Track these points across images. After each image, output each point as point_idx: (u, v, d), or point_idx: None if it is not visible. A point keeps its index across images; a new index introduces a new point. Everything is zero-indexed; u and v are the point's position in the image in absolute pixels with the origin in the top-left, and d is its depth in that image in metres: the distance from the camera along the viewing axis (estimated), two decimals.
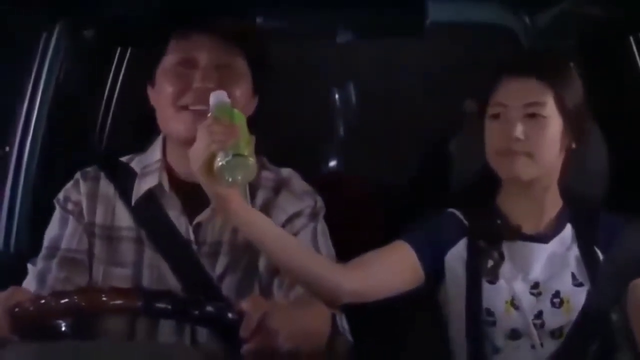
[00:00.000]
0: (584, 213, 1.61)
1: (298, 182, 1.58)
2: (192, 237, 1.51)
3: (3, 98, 1.98)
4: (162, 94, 1.50)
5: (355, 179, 2.13)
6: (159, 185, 1.52)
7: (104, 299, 1.19)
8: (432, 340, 1.61)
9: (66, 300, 1.20)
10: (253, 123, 1.49)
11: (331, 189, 1.69)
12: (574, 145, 1.57)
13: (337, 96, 2.39)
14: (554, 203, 1.60)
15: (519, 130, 1.50)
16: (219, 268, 1.50)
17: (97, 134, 2.19)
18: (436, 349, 1.61)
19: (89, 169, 1.60)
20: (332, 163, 2.40)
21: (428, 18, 1.96)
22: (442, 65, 2.25)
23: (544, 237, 1.58)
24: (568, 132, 1.54)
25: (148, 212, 1.52)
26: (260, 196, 1.54)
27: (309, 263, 1.43)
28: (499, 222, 1.59)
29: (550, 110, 1.52)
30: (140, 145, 1.76)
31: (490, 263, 1.56)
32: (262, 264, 1.50)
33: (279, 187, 1.56)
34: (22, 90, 1.97)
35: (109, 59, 2.20)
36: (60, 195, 1.57)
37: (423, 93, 2.29)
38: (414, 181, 2.16)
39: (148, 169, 1.55)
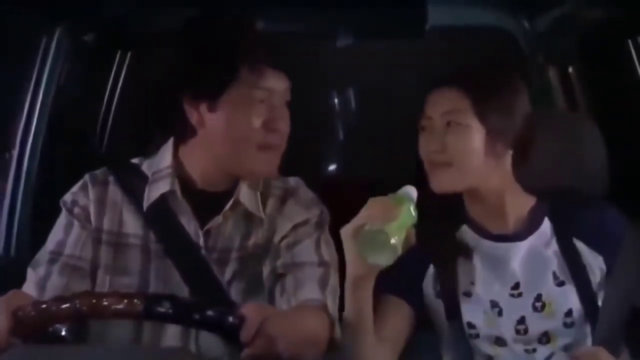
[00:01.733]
0: (562, 206, 1.59)
1: (305, 192, 1.59)
2: (202, 242, 1.51)
3: (4, 101, 1.98)
4: (237, 127, 1.48)
5: (355, 181, 2.13)
6: (172, 191, 1.52)
7: (105, 303, 1.19)
8: (429, 349, 1.62)
9: (67, 304, 1.20)
10: None
11: (331, 190, 1.70)
12: (510, 152, 1.54)
13: (336, 98, 2.39)
14: (518, 204, 1.58)
15: (437, 141, 1.51)
16: (228, 274, 1.51)
17: (98, 137, 2.19)
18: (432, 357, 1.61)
19: (97, 172, 1.58)
20: (332, 164, 2.40)
21: (428, 21, 1.96)
22: (442, 68, 2.24)
23: (517, 235, 1.56)
24: (494, 140, 1.51)
25: (159, 217, 1.52)
26: (270, 204, 1.56)
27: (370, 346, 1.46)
28: (456, 236, 1.59)
29: (469, 119, 1.50)
30: (140, 147, 1.76)
31: (462, 277, 1.55)
32: (265, 269, 1.52)
33: (286, 195, 1.57)
34: (22, 94, 1.97)
35: (109, 62, 2.20)
36: (68, 198, 1.55)
37: (423, 95, 2.29)
38: (414, 182, 2.16)
39: (159, 174, 1.54)
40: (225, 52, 1.47)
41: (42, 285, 1.47)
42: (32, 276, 1.49)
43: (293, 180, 1.61)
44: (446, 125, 1.51)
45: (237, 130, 1.48)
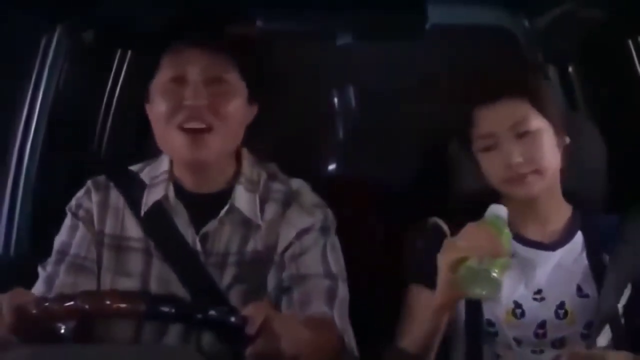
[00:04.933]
0: (595, 220, 1.60)
1: (308, 195, 1.56)
2: (199, 247, 1.50)
3: (3, 101, 1.97)
4: (155, 112, 1.48)
5: (355, 181, 2.13)
6: (165, 196, 1.52)
7: (108, 302, 1.19)
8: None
9: (70, 303, 1.20)
10: (253, 127, 1.48)
11: (331, 191, 1.70)
12: (567, 141, 1.56)
13: (336, 98, 2.38)
14: (559, 209, 1.59)
15: (517, 154, 1.48)
16: (227, 279, 1.49)
17: (97, 136, 2.19)
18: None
19: (99, 177, 1.59)
20: (332, 165, 2.39)
21: (428, 20, 1.96)
22: (442, 68, 2.25)
23: (551, 245, 1.56)
24: (559, 133, 1.53)
25: (156, 223, 1.52)
26: (269, 210, 1.52)
27: None
28: None
29: (537, 122, 1.51)
30: (140, 149, 1.76)
31: None
32: (270, 281, 1.49)
33: (288, 200, 1.54)
34: (22, 93, 1.97)
35: (109, 62, 2.20)
36: (72, 203, 1.57)
37: (423, 95, 2.29)
38: (414, 183, 2.16)
39: (156, 180, 1.55)
40: (149, 41, 1.51)
41: (49, 282, 1.49)
42: (41, 274, 1.51)
43: (295, 183, 1.57)
44: (517, 137, 1.49)
45: (157, 114, 1.47)
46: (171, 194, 1.52)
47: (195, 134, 1.43)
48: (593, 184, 1.72)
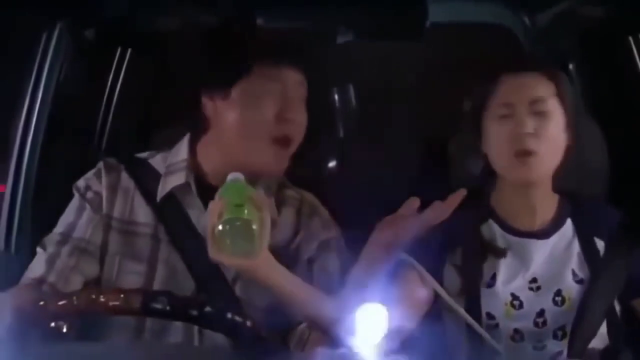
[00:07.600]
0: (583, 206, 1.60)
1: (324, 210, 1.62)
2: None
3: (3, 98, 1.98)
4: (244, 115, 1.50)
5: (354, 180, 2.13)
6: (186, 184, 1.54)
7: (103, 299, 1.19)
8: (432, 345, 1.61)
9: (64, 302, 1.20)
10: None
11: (331, 190, 1.70)
12: (570, 143, 1.56)
13: (336, 96, 2.38)
14: (547, 200, 1.58)
15: (530, 126, 1.48)
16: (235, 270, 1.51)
17: (98, 134, 2.20)
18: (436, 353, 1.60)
19: (111, 159, 1.61)
20: (332, 163, 2.40)
21: (428, 19, 1.96)
22: (442, 65, 2.24)
23: (543, 233, 1.57)
24: (568, 129, 1.53)
25: (169, 210, 1.54)
26: (284, 212, 1.57)
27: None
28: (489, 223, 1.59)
29: (553, 106, 1.51)
30: (140, 146, 1.76)
31: (484, 269, 1.55)
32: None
33: (301, 208, 1.60)
34: (22, 91, 1.97)
35: (109, 59, 2.20)
36: (81, 183, 1.58)
37: (422, 93, 2.29)
38: (414, 182, 2.16)
39: (173, 167, 1.56)
40: (240, 47, 1.51)
41: (51, 262, 1.50)
42: (41, 254, 1.52)
43: (308, 195, 1.63)
44: (533, 113, 1.49)
45: (249, 120, 1.49)
46: (192, 181, 1.54)
47: (283, 149, 1.51)
48: (593, 183, 1.72)
